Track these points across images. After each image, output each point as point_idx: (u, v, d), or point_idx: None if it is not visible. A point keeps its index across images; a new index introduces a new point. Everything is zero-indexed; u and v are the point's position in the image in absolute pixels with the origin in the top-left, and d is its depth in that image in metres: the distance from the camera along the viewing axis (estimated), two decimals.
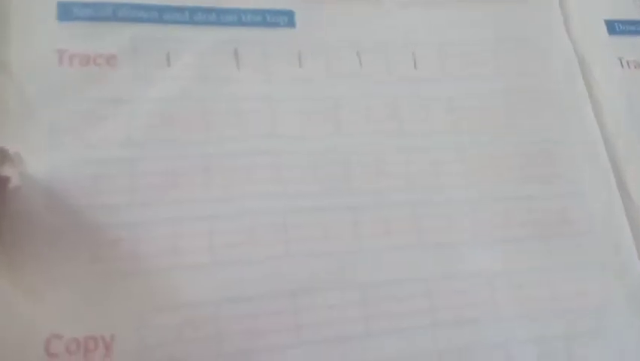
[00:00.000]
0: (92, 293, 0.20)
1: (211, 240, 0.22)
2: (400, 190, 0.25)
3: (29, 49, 0.23)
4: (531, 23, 0.30)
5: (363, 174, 0.24)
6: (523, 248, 0.25)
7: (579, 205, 0.26)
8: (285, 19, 0.26)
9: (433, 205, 0.25)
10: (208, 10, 0.25)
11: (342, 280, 0.23)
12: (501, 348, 0.23)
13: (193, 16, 0.25)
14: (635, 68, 0.29)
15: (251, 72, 0.25)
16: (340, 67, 0.26)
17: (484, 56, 0.28)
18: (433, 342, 0.23)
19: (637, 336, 0.25)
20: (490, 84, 0.27)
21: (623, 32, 0.30)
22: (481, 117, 0.27)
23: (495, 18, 0.29)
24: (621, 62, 0.29)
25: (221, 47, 0.25)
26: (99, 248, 0.21)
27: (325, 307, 0.22)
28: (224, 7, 0.26)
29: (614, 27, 0.30)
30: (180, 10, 0.25)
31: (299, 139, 0.24)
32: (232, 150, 0.23)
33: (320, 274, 0.23)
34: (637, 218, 0.26)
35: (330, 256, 0.23)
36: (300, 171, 0.24)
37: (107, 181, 0.22)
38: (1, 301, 0.20)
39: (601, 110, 0.28)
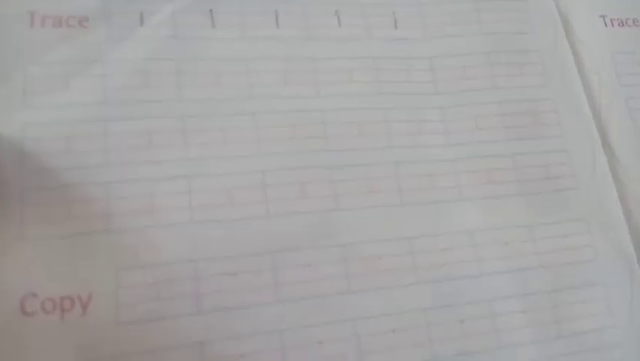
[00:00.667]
0: (67, 252, 0.20)
1: (189, 199, 0.22)
2: (380, 149, 0.24)
3: (1, 11, 0.22)
4: None
5: (342, 134, 0.24)
6: (507, 205, 0.25)
7: (563, 162, 0.26)
8: None
9: (415, 164, 0.24)
10: None
11: (321, 239, 0.22)
12: (486, 304, 0.23)
13: None
14: (619, 25, 0.29)
15: (226, 32, 0.24)
16: (318, 27, 0.26)
17: (465, 15, 0.27)
18: (417, 300, 0.22)
19: (625, 290, 0.24)
20: (472, 44, 0.27)
21: None
22: (463, 77, 0.26)
23: None
24: (604, 20, 0.29)
25: (196, 5, 0.24)
26: (73, 207, 0.21)
27: (305, 265, 0.22)
28: None
29: None
30: None
31: (276, 99, 0.24)
32: (208, 111, 0.23)
33: (299, 233, 0.22)
34: (621, 173, 0.26)
35: (309, 215, 0.23)
36: (278, 132, 0.24)
37: (81, 141, 0.21)
38: None
39: (584, 68, 0.28)
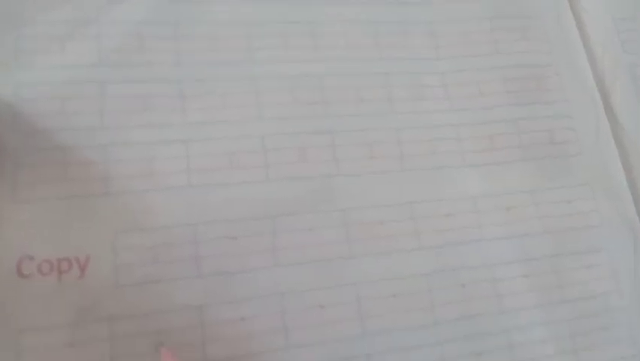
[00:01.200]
0: (63, 214, 0.20)
1: (187, 163, 0.21)
2: (381, 115, 0.24)
3: None
4: None
5: (342, 99, 0.24)
6: (509, 171, 0.24)
7: (567, 127, 0.26)
8: None
9: (416, 130, 0.24)
10: None
11: (322, 204, 0.22)
12: (488, 269, 0.23)
13: None
14: None
15: None
16: None
17: None
18: (419, 265, 0.22)
19: (629, 255, 0.24)
20: (474, 8, 0.27)
21: None
22: (465, 42, 0.26)
23: None
24: None
25: None
26: (69, 169, 0.20)
27: (305, 230, 0.22)
28: None
29: None
30: None
31: (276, 64, 0.24)
32: (207, 75, 0.23)
33: (299, 198, 0.22)
34: (624, 140, 0.26)
35: (309, 180, 0.22)
36: (278, 96, 0.23)
37: (76, 103, 0.21)
38: None
39: (587, 34, 0.27)
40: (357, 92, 0.24)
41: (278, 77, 0.23)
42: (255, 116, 0.23)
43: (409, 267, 0.22)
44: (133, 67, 0.22)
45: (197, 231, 0.21)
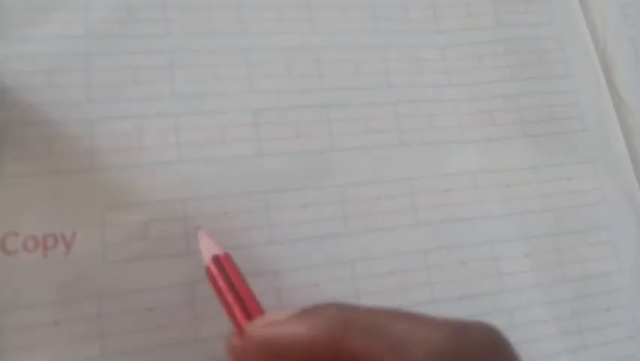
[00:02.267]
0: (49, 190, 0.19)
1: (177, 137, 0.21)
2: (378, 88, 0.23)
3: None
4: None
5: (338, 72, 0.23)
6: (510, 147, 0.24)
7: (570, 102, 0.25)
8: None
9: (415, 104, 0.23)
10: None
11: (317, 180, 0.21)
12: (487, 246, 0.22)
13: None
14: None
15: None
16: None
17: None
18: (417, 242, 0.22)
19: (631, 234, 0.24)
20: None
21: None
22: (466, 14, 0.25)
23: None
24: None
25: None
26: (55, 143, 0.19)
27: (299, 206, 0.21)
28: None
29: None
30: None
31: (269, 35, 0.23)
32: (198, 47, 0.22)
33: (293, 173, 0.21)
34: (627, 116, 0.25)
35: (304, 155, 0.22)
36: (271, 69, 0.22)
37: (63, 76, 0.20)
38: None
39: (589, 7, 0.27)
40: (353, 65, 0.23)
41: (271, 49, 0.23)
42: (247, 89, 0.22)
43: (407, 244, 0.21)
44: (121, 38, 0.21)
45: (187, 207, 0.20)
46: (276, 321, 0.15)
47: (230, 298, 0.16)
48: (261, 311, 0.16)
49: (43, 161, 0.19)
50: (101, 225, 0.19)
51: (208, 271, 0.17)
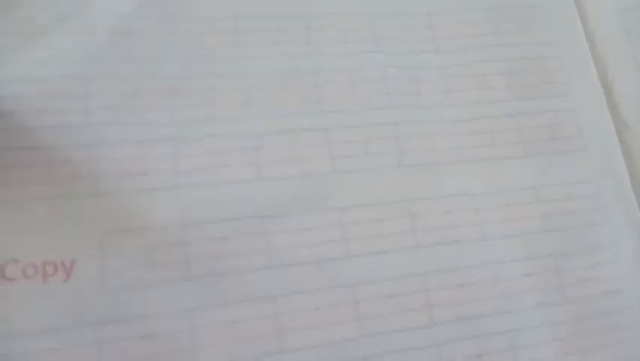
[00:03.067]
0: (49, 216, 0.19)
1: (176, 162, 0.21)
2: (377, 109, 0.23)
3: None
4: None
5: (337, 95, 0.23)
6: (510, 167, 0.23)
7: (570, 122, 0.25)
8: None
9: (414, 125, 0.23)
10: None
11: (317, 203, 0.21)
12: (488, 267, 0.22)
13: None
14: None
15: None
16: None
17: None
18: (416, 264, 0.21)
19: (633, 254, 0.23)
20: None
21: None
22: (465, 34, 0.25)
23: None
24: None
25: None
26: (54, 169, 0.20)
27: (299, 230, 0.21)
28: None
29: None
30: None
31: (267, 59, 0.23)
32: (196, 71, 0.22)
33: (293, 196, 0.21)
34: (626, 134, 0.25)
35: (303, 178, 0.22)
36: (269, 93, 0.22)
37: (61, 100, 0.20)
38: None
39: (590, 23, 0.27)
40: (352, 86, 0.23)
41: (269, 73, 0.23)
42: (246, 113, 0.22)
43: (406, 266, 0.21)
44: (119, 62, 0.21)
45: (186, 232, 0.20)
46: None
47: None
48: None
49: (42, 187, 0.19)
50: (100, 251, 0.19)
51: None
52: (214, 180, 0.21)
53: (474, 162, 0.23)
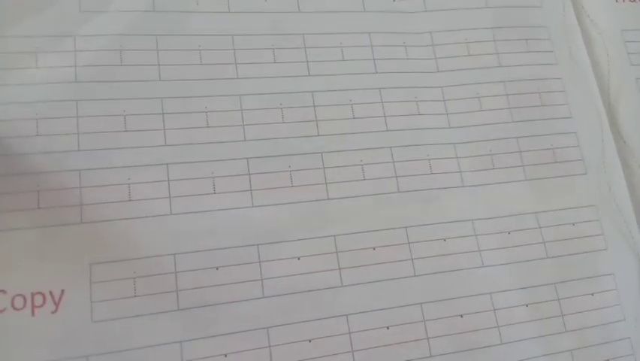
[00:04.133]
0: (37, 245, 0.19)
1: (168, 189, 0.20)
2: (375, 132, 0.23)
3: None
4: None
5: (334, 117, 0.22)
6: (511, 192, 0.23)
7: (572, 145, 0.24)
8: None
9: (413, 148, 0.23)
10: None
11: (311, 230, 0.21)
12: (486, 297, 0.21)
13: None
14: (630, 0, 0.27)
15: (210, 5, 0.22)
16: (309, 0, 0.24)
17: None
18: (413, 294, 0.21)
19: (634, 282, 0.23)
20: (476, 18, 0.25)
21: None
22: (466, 53, 0.25)
23: None
24: None
25: None
26: (42, 196, 0.19)
27: (293, 258, 0.20)
28: None
29: None
30: None
31: (263, 79, 0.22)
32: (190, 92, 0.21)
33: (287, 224, 0.21)
34: (629, 159, 0.24)
35: (298, 205, 0.21)
36: (265, 115, 0.22)
37: (51, 123, 0.20)
38: None
39: (593, 45, 0.26)
40: (349, 108, 0.23)
41: (265, 93, 0.22)
42: (240, 136, 0.21)
43: (404, 296, 0.21)
44: (111, 83, 0.21)
45: (177, 261, 0.20)
46: None
47: None
48: None
49: (31, 214, 0.19)
50: (88, 281, 0.19)
51: None
52: (206, 207, 0.20)
53: (474, 186, 0.23)
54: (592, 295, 0.22)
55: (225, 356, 0.19)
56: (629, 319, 0.22)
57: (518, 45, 0.25)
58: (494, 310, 0.21)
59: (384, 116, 0.23)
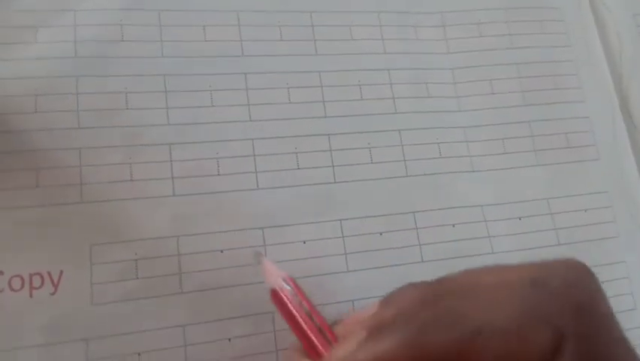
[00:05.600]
0: (36, 225, 0.18)
1: (171, 168, 0.20)
2: (384, 115, 0.22)
3: None
4: None
5: (342, 98, 0.22)
6: (522, 177, 0.22)
7: (585, 129, 0.24)
8: None
9: (422, 131, 0.22)
10: None
11: (318, 214, 0.20)
12: None
13: None
14: None
15: None
16: None
17: None
18: (422, 279, 0.20)
19: None
20: None
21: None
22: (478, 34, 0.24)
23: None
24: None
25: None
26: (42, 174, 0.18)
27: (299, 242, 0.20)
28: None
29: None
30: None
31: (270, 58, 0.22)
32: (194, 70, 0.21)
33: (292, 207, 0.20)
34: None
35: (304, 188, 0.21)
36: (271, 94, 0.21)
37: (51, 100, 0.19)
38: None
39: (605, 28, 0.25)
40: (358, 89, 0.22)
41: (271, 72, 0.21)
42: (246, 116, 0.21)
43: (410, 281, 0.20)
44: (112, 59, 0.20)
45: (180, 244, 0.19)
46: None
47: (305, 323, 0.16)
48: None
49: (29, 193, 0.18)
50: (89, 263, 0.18)
51: (276, 294, 0.16)
52: (210, 189, 0.20)
53: (484, 171, 0.22)
54: (604, 282, 0.22)
55: (229, 340, 0.18)
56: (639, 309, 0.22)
57: (532, 26, 0.24)
58: None
59: (393, 98, 0.22)
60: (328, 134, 0.21)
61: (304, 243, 0.20)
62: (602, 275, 0.21)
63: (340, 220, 0.20)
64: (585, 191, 0.23)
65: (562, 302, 0.13)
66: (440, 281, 0.15)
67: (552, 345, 0.12)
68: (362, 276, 0.20)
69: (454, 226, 0.21)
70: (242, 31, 0.22)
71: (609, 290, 0.22)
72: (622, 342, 0.13)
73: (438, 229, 0.21)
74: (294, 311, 0.16)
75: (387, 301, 0.16)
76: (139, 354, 0.18)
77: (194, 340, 0.18)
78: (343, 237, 0.20)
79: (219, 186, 0.20)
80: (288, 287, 0.16)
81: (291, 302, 0.16)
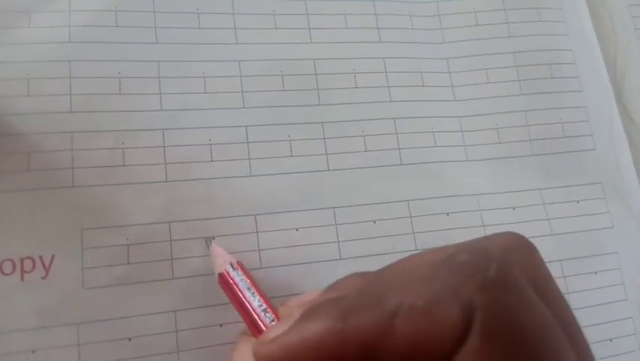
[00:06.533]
0: (27, 209, 0.18)
1: (164, 154, 0.20)
2: (378, 103, 0.22)
3: None
4: None
5: (336, 86, 0.22)
6: (517, 166, 0.22)
7: (581, 119, 0.23)
8: None
9: (417, 120, 0.22)
10: None
11: (311, 202, 0.20)
12: None
13: None
14: None
15: None
16: None
17: None
18: None
19: (638, 256, 0.22)
20: None
21: None
22: (474, 23, 0.24)
23: None
24: None
25: None
26: (33, 158, 0.18)
27: (291, 229, 0.20)
28: None
29: None
30: None
31: (264, 45, 0.21)
32: (188, 56, 0.21)
33: (286, 194, 0.20)
34: (635, 135, 0.24)
35: (297, 175, 0.20)
36: (265, 82, 0.21)
37: (43, 84, 0.19)
38: None
39: (600, 21, 0.25)
40: (352, 78, 0.22)
41: (266, 59, 0.21)
42: (239, 103, 0.21)
43: None
44: (106, 44, 0.20)
45: (172, 229, 0.19)
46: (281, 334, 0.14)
47: (250, 305, 0.16)
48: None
49: (20, 177, 0.18)
50: (80, 248, 0.18)
51: (223, 278, 0.17)
52: (202, 175, 0.20)
53: (479, 160, 0.22)
54: (595, 273, 0.22)
55: (221, 326, 0.18)
56: (632, 299, 0.22)
57: (529, 14, 0.24)
58: None
59: (388, 87, 0.22)
60: (322, 122, 0.21)
61: (297, 230, 0.20)
62: (594, 266, 0.22)
63: (333, 208, 0.20)
64: (579, 182, 0.23)
65: (472, 276, 0.12)
66: (381, 269, 0.14)
67: (463, 320, 0.11)
68: (355, 264, 0.20)
69: (448, 214, 0.21)
70: (236, 18, 0.22)
71: (601, 281, 0.22)
72: (546, 316, 0.12)
73: (432, 218, 0.21)
74: (240, 293, 0.17)
75: (331, 287, 0.16)
76: (130, 339, 0.18)
77: (186, 325, 0.18)
78: (336, 224, 0.20)
79: (212, 172, 0.20)
80: (235, 271, 0.17)
81: (237, 285, 0.17)
